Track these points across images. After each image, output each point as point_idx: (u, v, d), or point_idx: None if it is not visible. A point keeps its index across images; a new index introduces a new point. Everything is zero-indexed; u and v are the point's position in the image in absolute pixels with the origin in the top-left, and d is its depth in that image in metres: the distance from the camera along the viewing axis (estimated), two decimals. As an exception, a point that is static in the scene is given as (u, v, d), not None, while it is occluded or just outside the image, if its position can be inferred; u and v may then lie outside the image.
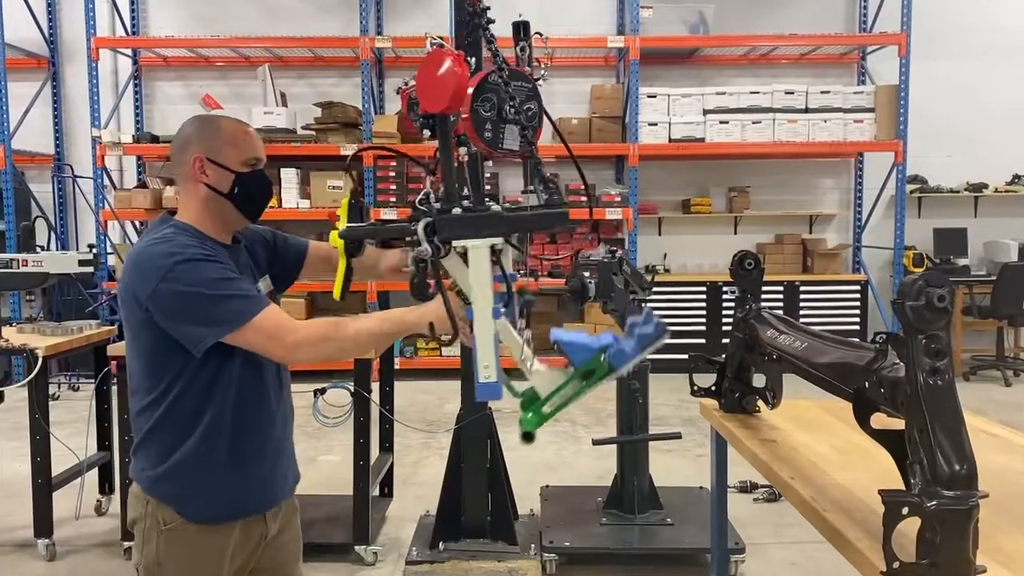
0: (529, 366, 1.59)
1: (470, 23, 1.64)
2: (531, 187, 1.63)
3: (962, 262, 8.21)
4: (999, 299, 7.30)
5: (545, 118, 1.68)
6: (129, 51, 8.33)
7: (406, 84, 1.79)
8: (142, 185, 7.75)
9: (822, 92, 7.76)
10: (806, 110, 7.72)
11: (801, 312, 7.76)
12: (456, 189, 1.58)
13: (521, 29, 1.75)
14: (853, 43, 8.24)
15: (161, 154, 8.07)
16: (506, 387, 1.62)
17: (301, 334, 1.81)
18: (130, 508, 1.99)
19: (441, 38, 1.59)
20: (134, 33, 8.30)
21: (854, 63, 8.48)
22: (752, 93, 7.70)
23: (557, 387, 1.57)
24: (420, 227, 1.53)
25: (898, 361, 1.43)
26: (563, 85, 8.30)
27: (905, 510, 1.24)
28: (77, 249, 8.12)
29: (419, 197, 1.64)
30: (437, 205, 1.60)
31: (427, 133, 1.62)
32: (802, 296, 7.87)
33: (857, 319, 7.92)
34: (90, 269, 3.55)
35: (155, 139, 7.73)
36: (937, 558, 1.23)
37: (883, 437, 1.48)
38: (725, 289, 7.69)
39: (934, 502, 1.23)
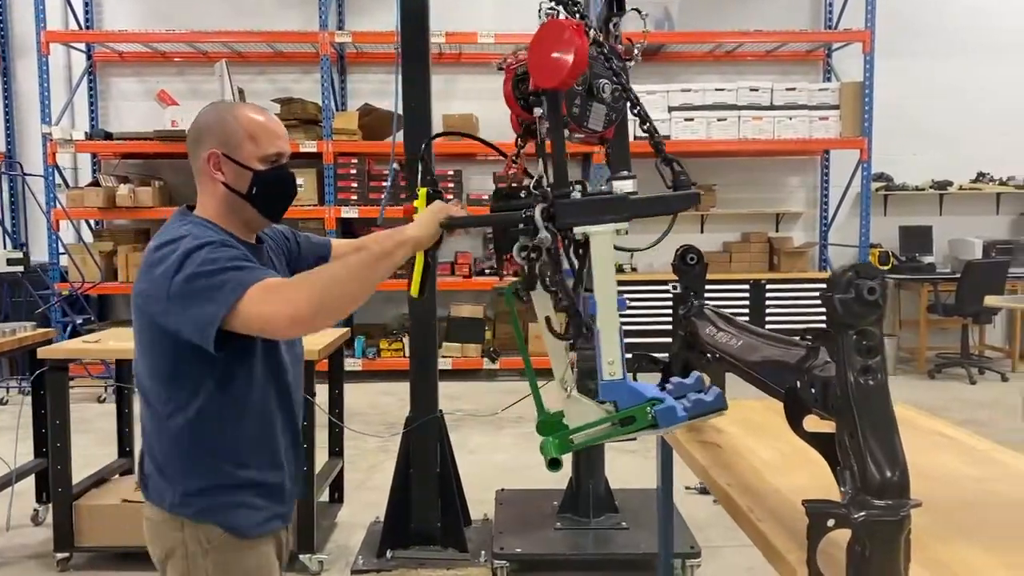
0: (568, 390, 1.50)
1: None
2: (622, 173, 1.50)
3: (927, 260, 8.21)
4: (963, 297, 7.28)
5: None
6: (83, 46, 8.11)
7: (505, 61, 1.68)
8: (94, 183, 7.53)
9: (787, 89, 7.72)
10: (771, 107, 7.67)
11: (767, 311, 7.71)
12: (567, 172, 1.46)
13: (614, 3, 1.63)
14: (818, 40, 8.21)
15: (116, 151, 7.88)
16: (535, 399, 1.53)
17: (291, 289, 1.58)
18: (158, 541, 1.78)
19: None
20: (88, 27, 8.07)
21: (820, 60, 8.45)
22: (717, 90, 7.65)
23: (589, 423, 1.48)
24: (537, 213, 1.41)
25: (831, 359, 1.33)
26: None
27: (831, 522, 1.14)
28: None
29: (532, 182, 1.52)
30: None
31: (538, 111, 1.49)
32: (768, 295, 7.82)
33: (824, 318, 7.87)
34: (19, 268, 3.39)
35: (109, 136, 7.53)
36: (866, 573, 1.13)
37: (817, 441, 1.39)
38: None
39: (863, 513, 1.13)
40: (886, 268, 8.11)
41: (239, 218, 1.79)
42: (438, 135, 2.09)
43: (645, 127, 1.50)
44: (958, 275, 7.47)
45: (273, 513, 1.84)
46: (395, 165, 4.13)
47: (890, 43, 7.92)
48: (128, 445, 4.23)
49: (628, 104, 1.53)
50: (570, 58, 1.34)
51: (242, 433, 1.76)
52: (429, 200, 1.73)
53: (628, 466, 4.89)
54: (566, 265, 1.50)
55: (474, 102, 8.00)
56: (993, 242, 8.19)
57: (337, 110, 7.88)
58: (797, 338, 1.48)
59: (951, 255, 8.35)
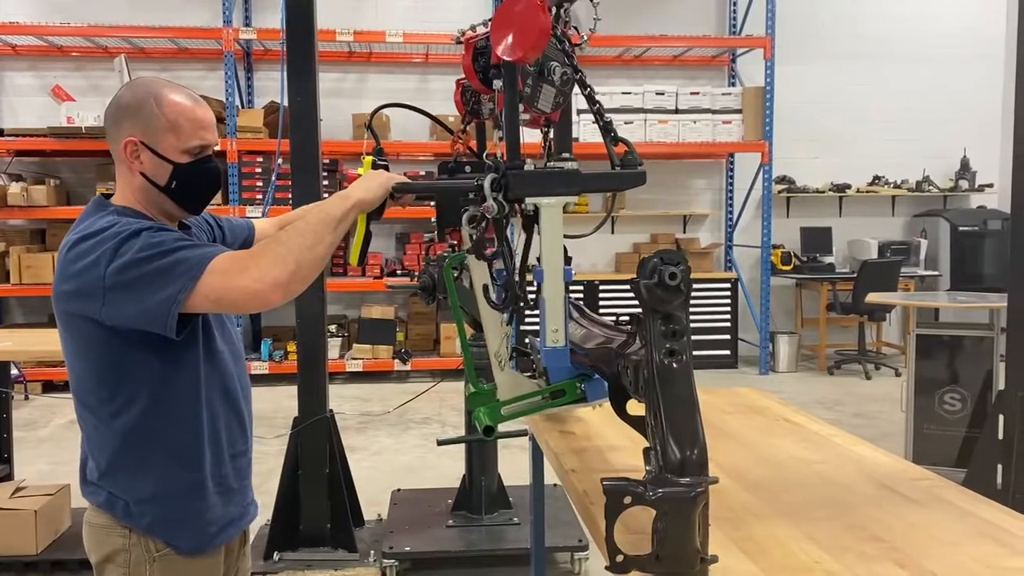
0: (501, 364, 1.53)
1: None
2: (564, 155, 1.53)
3: (827, 260, 8.51)
4: (860, 296, 7.56)
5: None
6: (-28, 38, 7.77)
7: (463, 32, 1.70)
8: (-16, 181, 7.22)
9: (692, 93, 7.90)
10: (676, 111, 7.83)
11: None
12: (520, 145, 1.46)
13: None
14: (721, 45, 8.42)
15: (10, 148, 7.57)
16: (468, 372, 1.57)
17: (264, 257, 1.53)
18: (97, 544, 1.70)
19: None
20: (-23, 19, 7.73)
21: (725, 65, 8.68)
22: (624, 93, 7.76)
23: (519, 395, 1.51)
24: (487, 182, 1.42)
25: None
26: (439, 82, 8.18)
27: (628, 499, 1.17)
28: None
29: (486, 153, 1.55)
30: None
31: (497, 84, 1.50)
32: (675, 294, 7.96)
33: (728, 316, 8.10)
34: None
35: (0, 132, 7.23)
36: (662, 550, 1.17)
37: (638, 424, 1.43)
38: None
39: (659, 490, 1.16)
40: (788, 268, 8.38)
41: (158, 208, 1.71)
42: (384, 106, 2.08)
43: (595, 108, 1.53)
44: (855, 275, 7.77)
45: (227, 520, 1.78)
46: (279, 161, 4.07)
47: (791, 49, 8.18)
48: (6, 452, 4.06)
49: (580, 87, 1.56)
50: (532, 33, 1.36)
51: (187, 430, 1.69)
52: (373, 168, 1.74)
53: (524, 462, 4.92)
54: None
55: (384, 101, 7.95)
56: (888, 243, 8.56)
57: (244, 108, 7.73)
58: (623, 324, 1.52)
59: (849, 255, 8.68)
